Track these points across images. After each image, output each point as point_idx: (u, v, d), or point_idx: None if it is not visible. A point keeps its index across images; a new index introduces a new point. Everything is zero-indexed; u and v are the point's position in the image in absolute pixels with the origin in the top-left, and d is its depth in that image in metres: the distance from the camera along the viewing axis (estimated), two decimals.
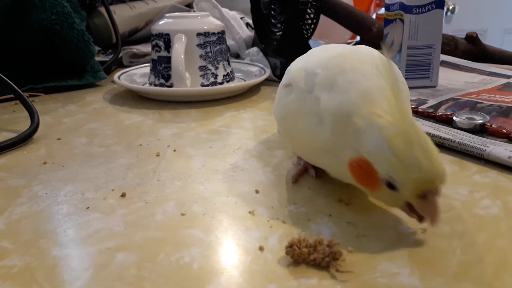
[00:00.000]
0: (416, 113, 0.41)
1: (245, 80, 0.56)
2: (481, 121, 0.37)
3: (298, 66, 0.29)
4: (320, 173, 0.30)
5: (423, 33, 0.50)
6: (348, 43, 0.77)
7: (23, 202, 0.28)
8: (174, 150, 0.36)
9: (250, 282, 0.20)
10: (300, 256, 0.21)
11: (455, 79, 0.54)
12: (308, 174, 0.31)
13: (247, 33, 0.69)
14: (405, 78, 0.31)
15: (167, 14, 0.53)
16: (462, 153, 0.34)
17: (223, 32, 0.53)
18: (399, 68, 0.41)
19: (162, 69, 0.51)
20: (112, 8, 0.70)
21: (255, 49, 0.63)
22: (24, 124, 0.41)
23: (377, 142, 0.22)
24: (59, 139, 0.39)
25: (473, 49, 0.61)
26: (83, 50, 0.55)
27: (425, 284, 0.20)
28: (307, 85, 0.27)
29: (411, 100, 0.41)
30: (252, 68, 0.59)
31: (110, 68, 0.65)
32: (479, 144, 0.33)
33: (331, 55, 0.28)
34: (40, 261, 0.22)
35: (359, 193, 0.26)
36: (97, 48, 0.66)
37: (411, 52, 0.51)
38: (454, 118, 0.38)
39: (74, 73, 0.58)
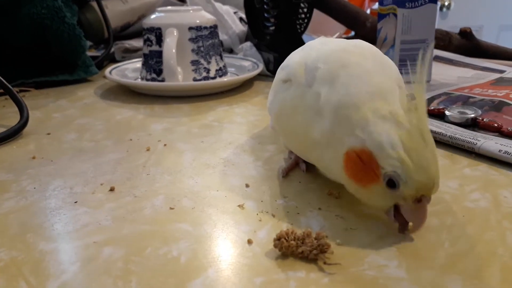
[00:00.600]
0: None
1: (238, 75, 0.55)
2: (472, 115, 0.37)
3: (297, 60, 0.28)
4: (311, 168, 0.30)
5: (416, 27, 0.50)
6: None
7: (10, 197, 0.28)
8: (165, 145, 0.36)
9: (237, 275, 0.20)
10: (288, 249, 0.21)
11: (449, 74, 0.54)
12: (299, 168, 0.31)
13: (241, 27, 0.68)
14: None
15: (159, 8, 0.53)
16: (453, 147, 0.34)
17: (215, 26, 0.53)
18: None
19: (153, 63, 0.50)
20: (104, 2, 0.69)
21: (248, 43, 0.62)
22: (13, 119, 0.40)
23: (389, 137, 0.22)
24: (48, 134, 0.39)
25: (467, 44, 0.61)
26: (74, 44, 0.55)
27: (412, 276, 0.20)
28: (307, 80, 0.26)
29: None
30: (245, 62, 0.59)
31: (102, 63, 0.65)
32: (470, 138, 0.33)
33: (332, 48, 0.27)
34: (26, 255, 0.22)
35: None
36: (89, 43, 0.66)
37: (404, 47, 0.51)
38: (446, 112, 0.38)
39: (66, 68, 0.57)
